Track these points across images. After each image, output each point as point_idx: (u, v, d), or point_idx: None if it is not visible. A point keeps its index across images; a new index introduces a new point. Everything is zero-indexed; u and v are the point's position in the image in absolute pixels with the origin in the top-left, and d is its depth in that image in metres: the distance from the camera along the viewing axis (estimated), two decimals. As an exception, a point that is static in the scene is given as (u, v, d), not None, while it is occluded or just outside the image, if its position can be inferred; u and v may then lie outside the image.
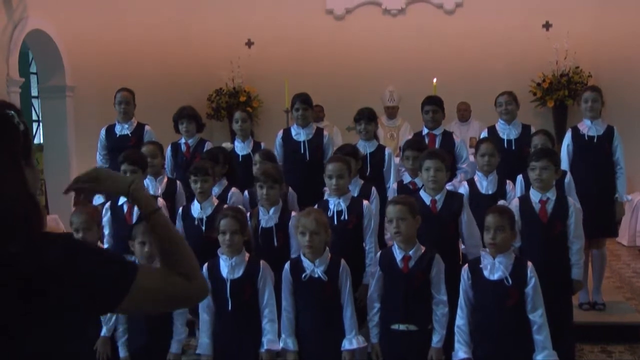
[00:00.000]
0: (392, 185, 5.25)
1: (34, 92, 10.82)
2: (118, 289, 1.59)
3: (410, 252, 3.85)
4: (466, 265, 3.85)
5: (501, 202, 4.63)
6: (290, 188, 5.21)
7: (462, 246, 4.52)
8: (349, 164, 4.65)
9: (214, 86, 10.67)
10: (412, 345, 3.83)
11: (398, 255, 3.87)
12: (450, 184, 5.29)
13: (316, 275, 3.85)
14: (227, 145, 6.28)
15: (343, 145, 5.61)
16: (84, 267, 1.54)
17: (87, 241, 1.80)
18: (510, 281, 3.59)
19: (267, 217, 4.53)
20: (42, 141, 9.72)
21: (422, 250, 3.88)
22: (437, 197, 4.39)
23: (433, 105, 5.89)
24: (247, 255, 3.98)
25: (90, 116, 8.90)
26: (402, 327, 3.84)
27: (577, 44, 9.79)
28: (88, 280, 1.54)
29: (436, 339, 3.82)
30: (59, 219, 7.19)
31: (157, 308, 1.84)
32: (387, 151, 5.72)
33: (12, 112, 1.56)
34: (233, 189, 5.26)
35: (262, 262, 3.99)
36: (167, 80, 10.17)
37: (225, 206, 4.62)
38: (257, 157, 5.38)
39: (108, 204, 5.03)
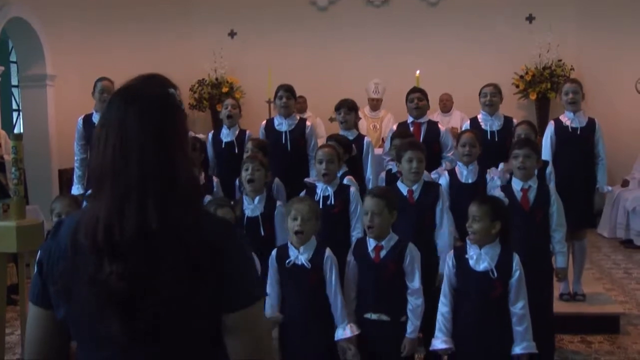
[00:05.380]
0: (381, 174, 5.24)
1: (14, 81, 10.66)
2: (255, 291, 1.59)
3: (383, 242, 3.78)
4: (451, 251, 3.80)
5: (497, 193, 4.58)
6: (277, 179, 5.19)
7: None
8: (338, 151, 4.66)
9: (196, 77, 10.59)
10: (384, 335, 3.75)
11: (370, 244, 3.81)
12: (435, 171, 5.30)
13: (299, 263, 3.77)
14: (201, 136, 6.29)
15: (336, 135, 5.57)
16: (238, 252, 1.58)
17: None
18: (495, 273, 3.52)
19: (253, 207, 4.50)
20: (22, 130, 9.59)
21: (395, 240, 3.80)
22: (414, 188, 4.38)
23: (418, 93, 5.94)
24: None
25: (71, 105, 8.79)
26: (374, 316, 3.76)
27: (559, 38, 9.84)
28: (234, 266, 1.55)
29: (410, 329, 3.72)
30: (39, 209, 7.10)
31: (257, 346, 1.56)
32: (366, 140, 5.72)
33: (174, 90, 1.63)
34: (215, 179, 5.24)
35: None
36: (149, 70, 10.05)
37: (211, 198, 4.56)
38: (249, 145, 5.37)
39: (89, 192, 5.01)
